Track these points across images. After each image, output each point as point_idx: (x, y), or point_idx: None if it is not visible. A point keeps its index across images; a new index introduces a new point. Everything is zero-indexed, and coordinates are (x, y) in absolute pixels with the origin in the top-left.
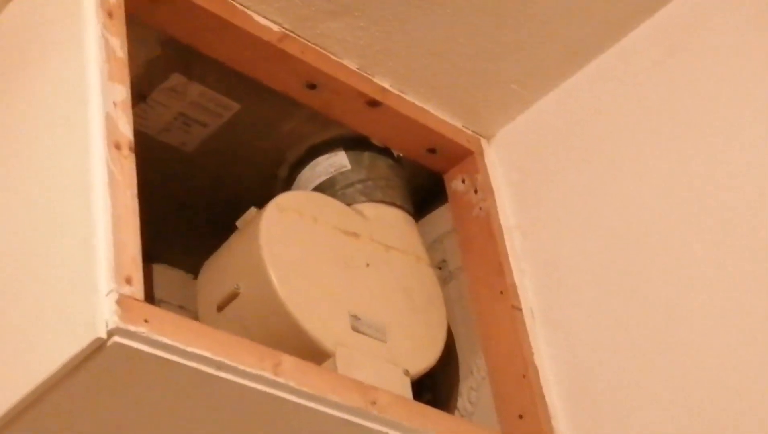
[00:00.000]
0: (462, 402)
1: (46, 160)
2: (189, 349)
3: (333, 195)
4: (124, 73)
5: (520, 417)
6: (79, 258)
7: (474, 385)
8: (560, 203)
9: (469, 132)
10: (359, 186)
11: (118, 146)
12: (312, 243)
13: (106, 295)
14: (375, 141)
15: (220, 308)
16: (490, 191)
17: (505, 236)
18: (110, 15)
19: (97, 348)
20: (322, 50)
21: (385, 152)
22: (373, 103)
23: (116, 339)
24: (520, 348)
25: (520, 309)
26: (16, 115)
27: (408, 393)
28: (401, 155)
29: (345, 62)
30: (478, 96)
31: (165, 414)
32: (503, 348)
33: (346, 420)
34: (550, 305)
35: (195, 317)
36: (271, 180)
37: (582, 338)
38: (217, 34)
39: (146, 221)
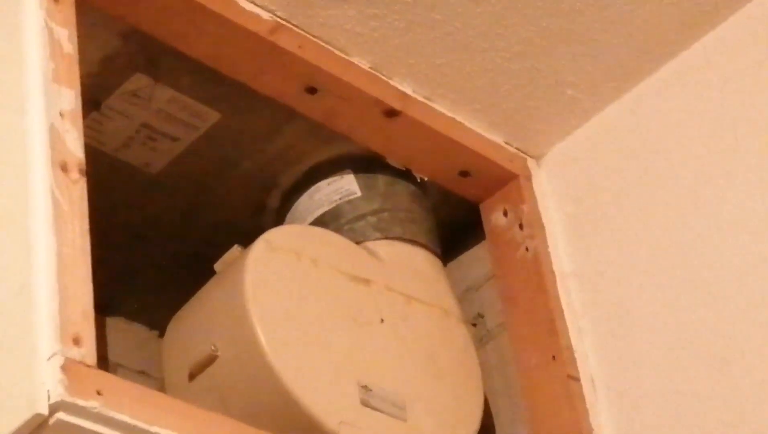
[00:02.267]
0: None
1: None
2: (153, 429)
3: (338, 230)
4: (74, 74)
5: None
6: (15, 312)
7: None
8: (630, 243)
9: (513, 150)
10: (372, 219)
11: (65, 168)
12: (311, 293)
13: (49, 359)
14: (392, 161)
15: (193, 375)
16: (540, 226)
17: (559, 286)
18: None
19: (38, 426)
20: (325, 45)
21: (406, 175)
22: (391, 113)
23: (61, 415)
24: (576, 427)
25: (578, 379)
26: None
27: None
28: (426, 179)
29: (354, 60)
30: (524, 104)
31: None
32: (556, 428)
33: None
34: (617, 374)
35: (161, 387)
36: (259, 211)
37: (657, 417)
38: (191, 23)
39: (100, 263)
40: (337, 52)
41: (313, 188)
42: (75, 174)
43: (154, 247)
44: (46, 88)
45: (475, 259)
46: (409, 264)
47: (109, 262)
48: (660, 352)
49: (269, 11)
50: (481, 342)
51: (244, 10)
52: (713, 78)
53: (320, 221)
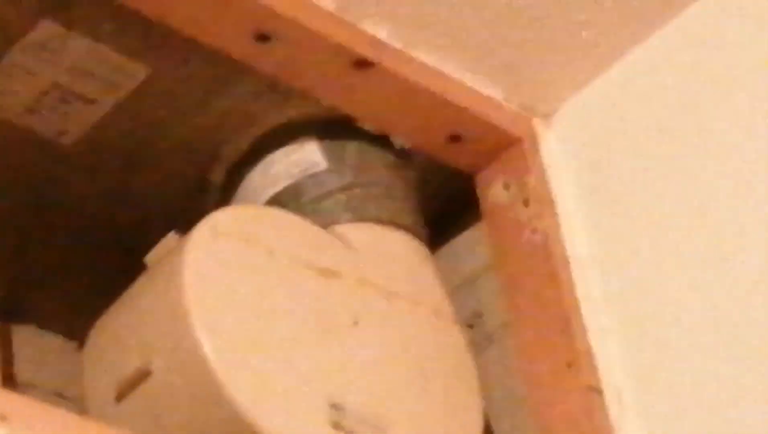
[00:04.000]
0: None
1: None
2: None
3: (299, 211)
4: None
5: None
6: None
7: None
8: (661, 221)
9: (515, 108)
10: (341, 197)
11: None
12: (267, 290)
13: None
14: (364, 125)
15: (121, 395)
16: (549, 202)
17: (574, 275)
18: None
19: None
20: None
21: (382, 142)
22: (361, 65)
23: None
24: None
25: (600, 391)
26: None
27: None
28: (407, 146)
29: None
30: (528, 51)
31: None
32: None
33: None
34: (648, 384)
35: (81, 409)
36: (200, 189)
37: None
38: None
39: (2, 257)
40: None
41: (266, 160)
42: None
43: (71, 236)
44: None
45: (470, 245)
46: (388, 252)
47: (15, 256)
48: (702, 357)
49: None
50: (479, 346)
51: None
52: (762, 11)
53: (277, 201)
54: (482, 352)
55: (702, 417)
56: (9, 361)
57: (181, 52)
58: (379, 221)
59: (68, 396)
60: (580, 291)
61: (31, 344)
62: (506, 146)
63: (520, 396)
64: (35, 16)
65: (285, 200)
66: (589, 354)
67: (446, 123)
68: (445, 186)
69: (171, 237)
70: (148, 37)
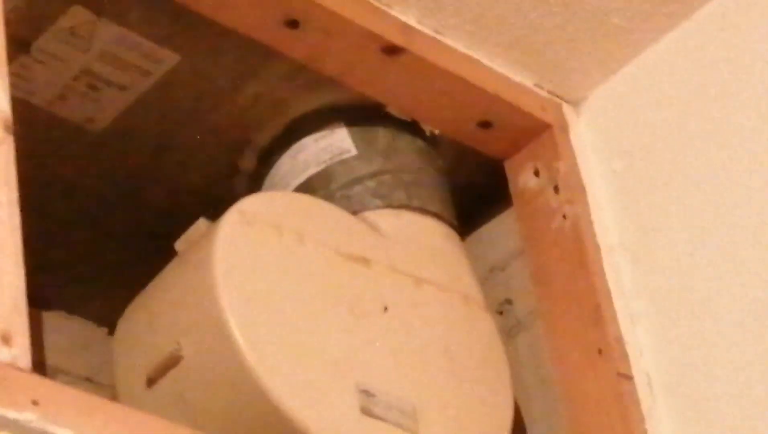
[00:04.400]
0: None
1: None
2: None
3: (329, 198)
4: None
5: None
6: None
7: None
8: (693, 207)
9: (545, 94)
10: (371, 183)
11: None
12: (297, 276)
13: None
14: (394, 111)
15: (152, 380)
16: (580, 189)
17: (605, 262)
18: None
19: None
20: None
21: (412, 128)
22: (391, 50)
23: None
24: None
25: (631, 377)
26: None
27: None
28: (437, 132)
29: None
30: (559, 37)
31: None
32: None
33: None
34: (679, 371)
35: (112, 395)
36: (230, 175)
37: (730, 424)
38: None
39: (34, 243)
40: None
41: (296, 146)
42: (0, 133)
43: (101, 223)
44: None
45: (501, 231)
46: (418, 239)
47: (46, 242)
48: (732, 343)
49: None
50: (509, 333)
51: None
52: None
53: (307, 187)
54: (512, 339)
55: (732, 403)
56: (39, 347)
57: (211, 38)
58: (408, 207)
59: (98, 382)
60: (611, 278)
61: (61, 330)
62: (536, 132)
63: (550, 382)
64: (66, 3)
65: (315, 186)
66: (619, 340)
67: (476, 109)
68: (475, 172)
69: (201, 223)
70: (178, 23)
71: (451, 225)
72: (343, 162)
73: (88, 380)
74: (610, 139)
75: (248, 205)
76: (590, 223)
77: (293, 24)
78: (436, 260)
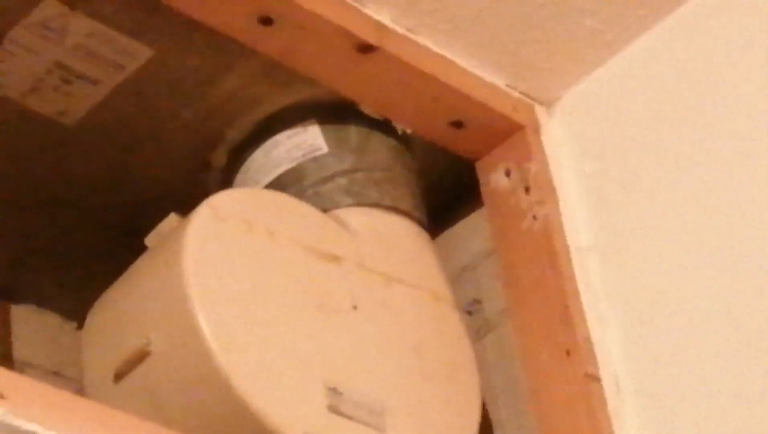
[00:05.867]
0: None
1: None
2: None
3: (300, 195)
4: None
5: None
6: None
7: None
8: (664, 210)
9: (517, 95)
10: (342, 181)
11: None
12: (267, 273)
13: None
14: (367, 109)
15: (120, 375)
16: (551, 190)
17: (575, 263)
18: None
19: None
20: None
21: (384, 126)
22: (364, 49)
23: None
24: None
25: (599, 379)
26: None
27: None
28: (409, 131)
29: None
30: (531, 38)
31: None
32: None
33: None
34: (647, 373)
35: (79, 389)
36: (201, 171)
37: (697, 426)
38: None
39: (2, 236)
40: None
41: (268, 143)
42: None
43: (71, 216)
44: None
45: (471, 231)
46: (389, 237)
47: (15, 235)
48: (701, 345)
49: None
50: (478, 333)
51: None
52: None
53: (278, 184)
54: (481, 338)
55: (700, 405)
56: (7, 340)
57: (185, 33)
58: (380, 205)
59: (66, 376)
60: (580, 279)
61: (29, 323)
62: (508, 132)
63: (519, 382)
64: None
65: (286, 183)
66: (588, 341)
67: (448, 109)
68: (447, 172)
69: (171, 218)
70: (152, 17)
71: (421, 224)
72: (315, 159)
73: (57, 374)
74: (582, 140)
75: (219, 200)
76: (560, 224)
77: (267, 21)
78: (407, 258)
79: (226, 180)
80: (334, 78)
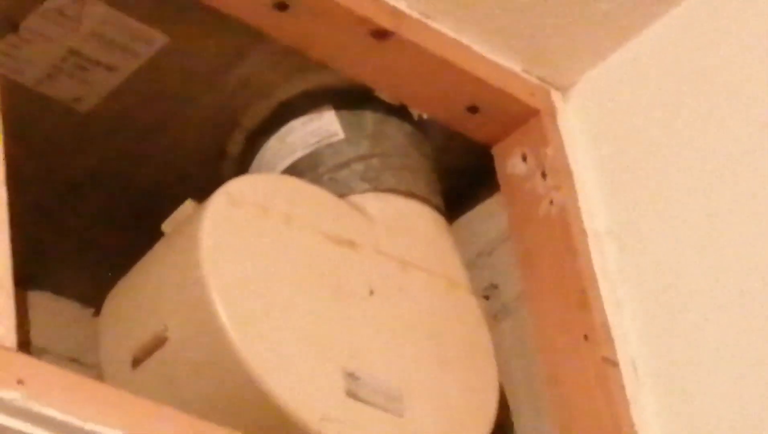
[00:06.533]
0: None
1: None
2: (88, 426)
3: (316, 181)
4: None
5: None
6: None
7: None
8: (680, 194)
9: (533, 80)
10: (358, 166)
11: None
12: (283, 258)
13: None
14: (382, 95)
15: (137, 361)
16: (567, 174)
17: (591, 248)
18: None
19: None
20: None
21: (400, 112)
22: (380, 34)
23: None
24: (614, 423)
25: (616, 363)
26: None
27: None
28: (425, 116)
29: None
30: (547, 23)
31: None
32: (588, 423)
33: None
34: (665, 357)
35: (97, 375)
36: (217, 157)
37: (716, 410)
38: None
39: (19, 223)
40: None
41: (284, 129)
42: None
43: (88, 204)
44: None
45: (488, 216)
46: (405, 223)
47: (32, 223)
48: (719, 329)
49: None
50: (495, 318)
51: None
52: None
53: (294, 170)
54: (498, 323)
55: (717, 389)
56: (25, 327)
57: (200, 20)
58: (396, 191)
59: (83, 363)
60: (597, 263)
61: (47, 310)
62: (524, 117)
63: (536, 367)
64: None
65: (302, 169)
66: (605, 326)
67: (464, 94)
68: (463, 157)
69: (188, 205)
70: (167, 4)
71: (438, 209)
72: (330, 145)
73: (74, 360)
74: (598, 125)
75: (235, 187)
76: (577, 209)
77: (282, 6)
78: (423, 244)
79: (242, 166)
80: (350, 64)
